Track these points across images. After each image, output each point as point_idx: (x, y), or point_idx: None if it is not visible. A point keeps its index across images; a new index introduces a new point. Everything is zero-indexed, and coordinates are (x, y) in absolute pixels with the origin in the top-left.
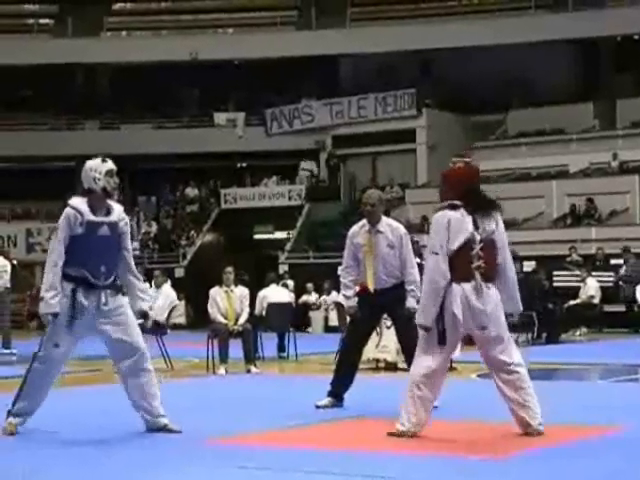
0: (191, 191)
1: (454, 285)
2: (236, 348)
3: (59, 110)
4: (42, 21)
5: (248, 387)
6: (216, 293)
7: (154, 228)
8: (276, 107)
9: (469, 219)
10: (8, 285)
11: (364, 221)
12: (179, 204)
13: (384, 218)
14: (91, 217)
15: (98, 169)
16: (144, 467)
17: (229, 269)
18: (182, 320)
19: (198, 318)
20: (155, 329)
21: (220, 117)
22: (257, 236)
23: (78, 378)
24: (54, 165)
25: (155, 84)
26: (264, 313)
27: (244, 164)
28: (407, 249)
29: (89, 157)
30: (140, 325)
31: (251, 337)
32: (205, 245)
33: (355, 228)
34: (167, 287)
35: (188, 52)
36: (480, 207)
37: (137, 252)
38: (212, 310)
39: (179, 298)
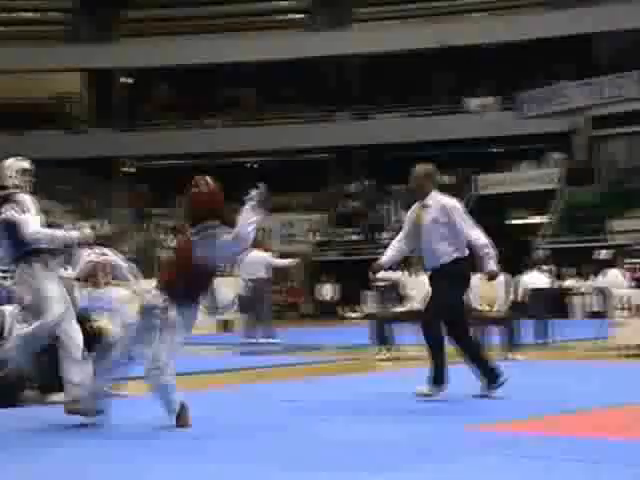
0: (444, 178)
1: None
2: (496, 335)
3: (312, 102)
4: (294, 16)
5: (508, 374)
6: (474, 279)
7: None
8: (528, 90)
9: None
10: (268, 276)
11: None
12: None
13: (434, 193)
14: None
15: None
16: (405, 456)
17: None
18: None
19: None
20: (415, 317)
21: (472, 103)
22: (510, 221)
23: (337, 366)
24: (309, 157)
25: (404, 72)
26: (523, 299)
27: (497, 149)
28: (459, 220)
29: (342, 148)
30: None
31: (511, 324)
32: None
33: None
34: (424, 275)
35: (437, 39)
36: None
37: (388, 241)
38: (470, 297)
39: None
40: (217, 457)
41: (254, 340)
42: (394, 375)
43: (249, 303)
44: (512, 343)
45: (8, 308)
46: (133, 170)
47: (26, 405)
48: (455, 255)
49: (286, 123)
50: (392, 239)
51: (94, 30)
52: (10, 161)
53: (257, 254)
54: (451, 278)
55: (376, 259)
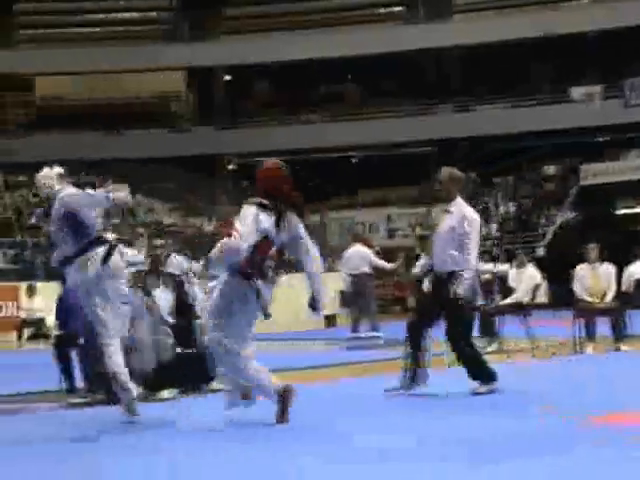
0: (549, 169)
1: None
2: (603, 326)
3: (412, 95)
4: (393, 9)
5: (618, 366)
6: (581, 270)
7: (512, 208)
8: (635, 77)
9: (272, 219)
10: (371, 271)
11: None
12: (537, 183)
13: (459, 200)
14: None
15: None
16: (511, 450)
17: (592, 245)
18: (545, 299)
19: (560, 296)
20: (520, 309)
21: (576, 92)
22: (619, 211)
23: (442, 360)
24: (410, 151)
25: (505, 63)
26: (628, 289)
27: (603, 138)
28: (467, 235)
29: (444, 141)
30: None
31: (620, 315)
32: (565, 223)
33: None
34: (530, 268)
35: (540, 29)
36: (282, 210)
37: (497, 233)
38: (577, 288)
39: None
40: (324, 446)
41: (359, 335)
42: (500, 368)
43: (352, 298)
44: (620, 334)
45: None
46: (236, 167)
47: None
48: (458, 266)
49: (386, 117)
50: (498, 231)
51: (193, 28)
52: (46, 170)
53: (359, 249)
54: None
55: (483, 252)
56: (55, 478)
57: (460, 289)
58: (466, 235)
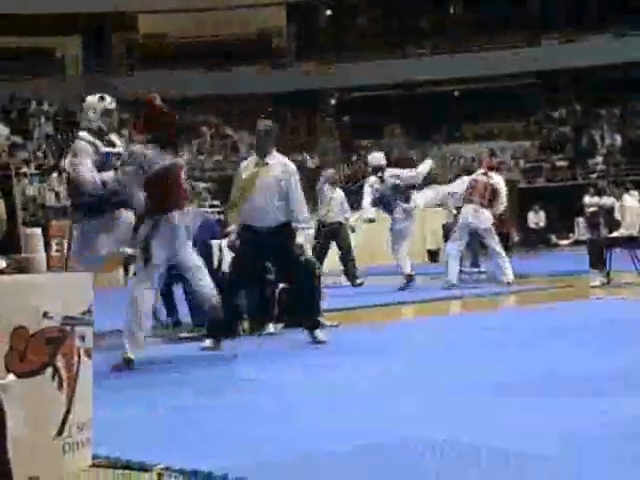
0: None
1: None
2: None
3: (517, 27)
4: None
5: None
6: None
7: (618, 140)
8: None
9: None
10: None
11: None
12: None
13: (276, 152)
14: None
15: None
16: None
17: None
18: None
19: None
20: (629, 242)
21: None
22: None
23: (548, 295)
24: (514, 83)
25: None
26: None
27: None
28: (295, 187)
29: (548, 73)
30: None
31: None
32: None
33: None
34: (629, 199)
35: None
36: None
37: (601, 166)
38: None
39: None
40: (425, 380)
41: (462, 269)
42: (608, 301)
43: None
44: None
45: (219, 242)
46: (337, 102)
47: (242, 336)
48: (288, 217)
49: (490, 49)
50: (603, 164)
51: None
52: (92, 100)
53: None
54: (292, 236)
55: (587, 185)
56: (167, 410)
57: (299, 239)
58: (289, 187)
